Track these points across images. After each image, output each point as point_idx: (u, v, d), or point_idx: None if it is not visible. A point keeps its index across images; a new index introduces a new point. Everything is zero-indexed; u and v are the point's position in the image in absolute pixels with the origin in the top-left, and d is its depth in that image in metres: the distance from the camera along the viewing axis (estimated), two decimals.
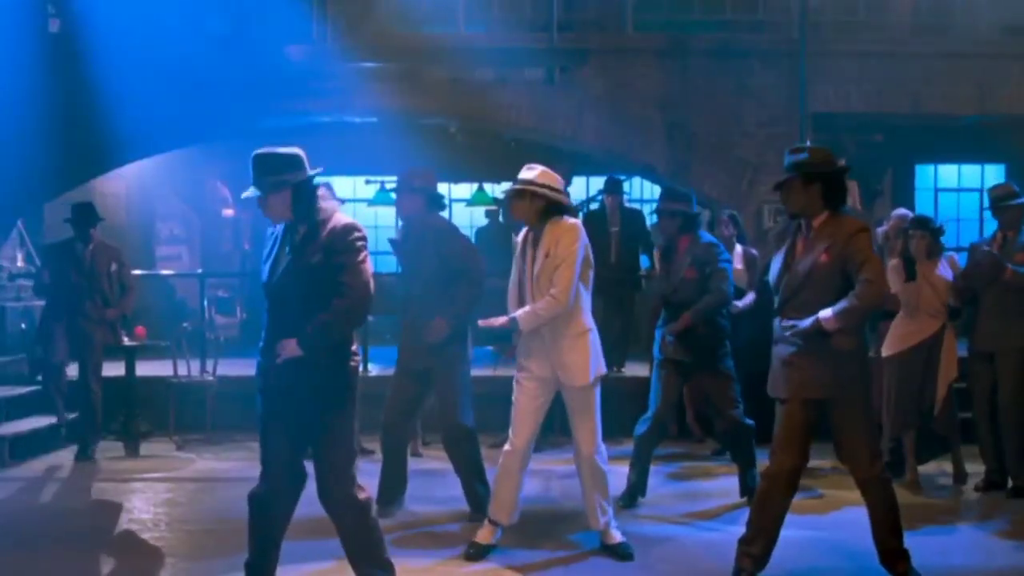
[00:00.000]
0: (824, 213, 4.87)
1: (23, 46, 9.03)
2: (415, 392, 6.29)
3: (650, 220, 9.36)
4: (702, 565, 5.36)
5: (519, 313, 5.27)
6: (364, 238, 4.33)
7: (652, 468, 6.81)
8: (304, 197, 4.30)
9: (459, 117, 10.91)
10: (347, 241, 4.26)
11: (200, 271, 12.77)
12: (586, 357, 5.31)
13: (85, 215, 8.48)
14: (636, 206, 12.28)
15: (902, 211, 7.61)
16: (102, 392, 8.40)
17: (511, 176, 5.54)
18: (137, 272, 10.18)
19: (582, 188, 15.63)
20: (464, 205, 14.40)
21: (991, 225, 7.27)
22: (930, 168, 14.75)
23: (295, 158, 4.33)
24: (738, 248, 8.07)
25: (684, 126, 10.49)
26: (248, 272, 14.80)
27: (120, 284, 8.52)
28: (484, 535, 5.50)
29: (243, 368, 7.85)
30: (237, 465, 7.89)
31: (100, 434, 8.51)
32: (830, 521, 6.28)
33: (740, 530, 5.03)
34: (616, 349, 9.48)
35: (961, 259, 7.30)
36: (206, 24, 9.76)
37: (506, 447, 5.44)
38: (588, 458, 5.41)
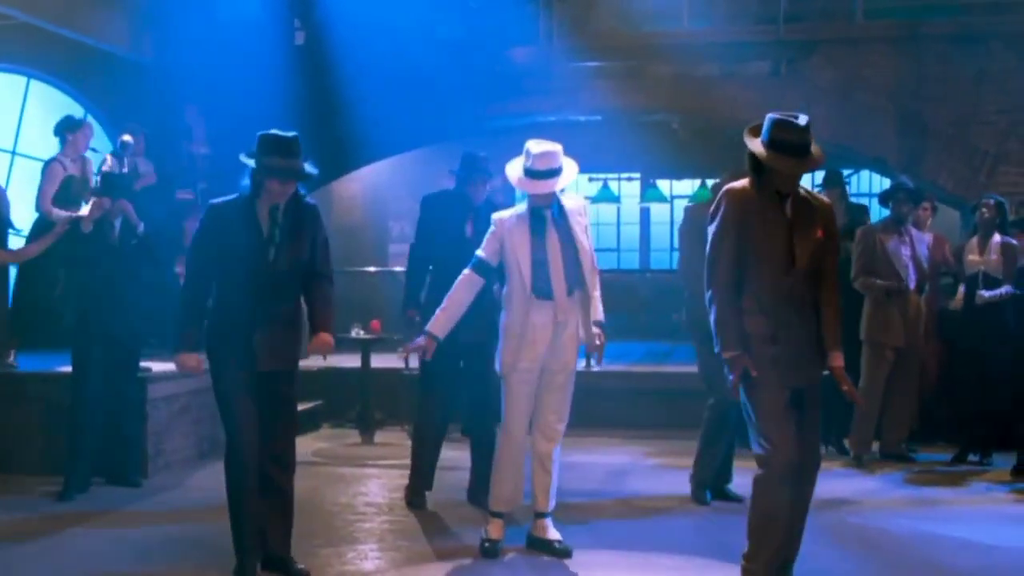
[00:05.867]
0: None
1: (274, 58, 9.74)
2: None
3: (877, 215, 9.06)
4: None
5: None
6: None
7: (886, 473, 6.72)
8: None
9: (682, 113, 10.91)
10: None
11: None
12: None
13: None
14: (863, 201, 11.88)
15: None
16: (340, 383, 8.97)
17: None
18: (372, 269, 10.69)
19: (807, 182, 15.24)
20: (687, 201, 14.34)
21: None
22: None
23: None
24: (996, 237, 7.76)
25: (917, 116, 10.11)
26: None
27: None
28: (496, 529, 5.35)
29: None
30: (463, 454, 8.17)
31: None
32: None
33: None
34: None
35: None
36: (437, 31, 10.19)
37: (505, 436, 5.35)
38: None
